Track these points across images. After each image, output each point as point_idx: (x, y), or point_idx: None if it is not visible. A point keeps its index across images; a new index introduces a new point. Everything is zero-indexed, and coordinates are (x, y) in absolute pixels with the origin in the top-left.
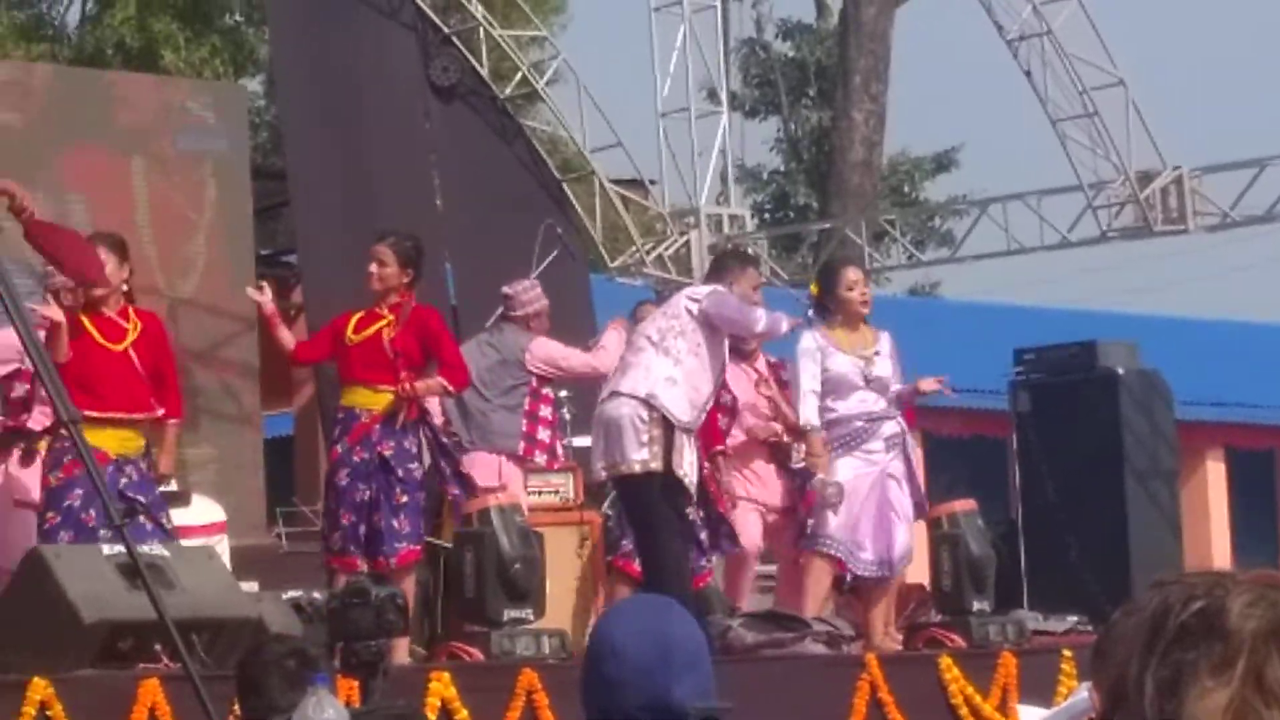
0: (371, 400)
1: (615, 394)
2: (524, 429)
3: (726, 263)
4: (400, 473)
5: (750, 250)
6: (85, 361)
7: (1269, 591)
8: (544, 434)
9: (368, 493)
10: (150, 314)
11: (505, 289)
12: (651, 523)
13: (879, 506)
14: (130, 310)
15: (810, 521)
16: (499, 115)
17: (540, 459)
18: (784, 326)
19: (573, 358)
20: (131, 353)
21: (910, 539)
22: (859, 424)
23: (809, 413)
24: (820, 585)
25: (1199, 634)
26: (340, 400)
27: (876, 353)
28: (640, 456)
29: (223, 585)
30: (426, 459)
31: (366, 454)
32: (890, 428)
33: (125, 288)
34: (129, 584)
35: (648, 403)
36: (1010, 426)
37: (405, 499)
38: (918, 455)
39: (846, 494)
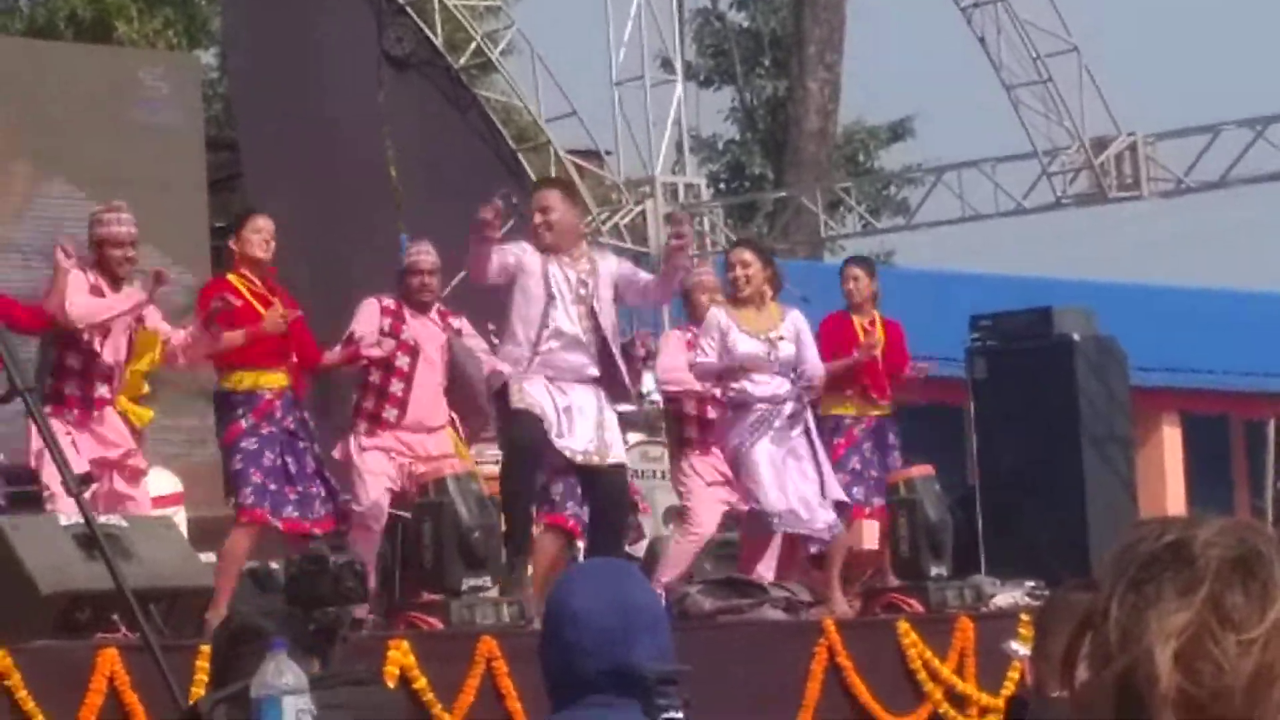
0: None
1: None
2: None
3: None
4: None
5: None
6: None
7: (1239, 528)
8: None
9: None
10: None
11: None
12: None
13: (801, 476)
14: None
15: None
16: (453, 85)
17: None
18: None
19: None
20: None
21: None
22: (763, 407)
23: (703, 367)
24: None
25: (1167, 561)
26: None
27: (781, 336)
28: None
29: (180, 555)
30: None
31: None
32: (790, 407)
33: None
34: (86, 554)
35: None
36: (967, 394)
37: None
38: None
39: (775, 470)
